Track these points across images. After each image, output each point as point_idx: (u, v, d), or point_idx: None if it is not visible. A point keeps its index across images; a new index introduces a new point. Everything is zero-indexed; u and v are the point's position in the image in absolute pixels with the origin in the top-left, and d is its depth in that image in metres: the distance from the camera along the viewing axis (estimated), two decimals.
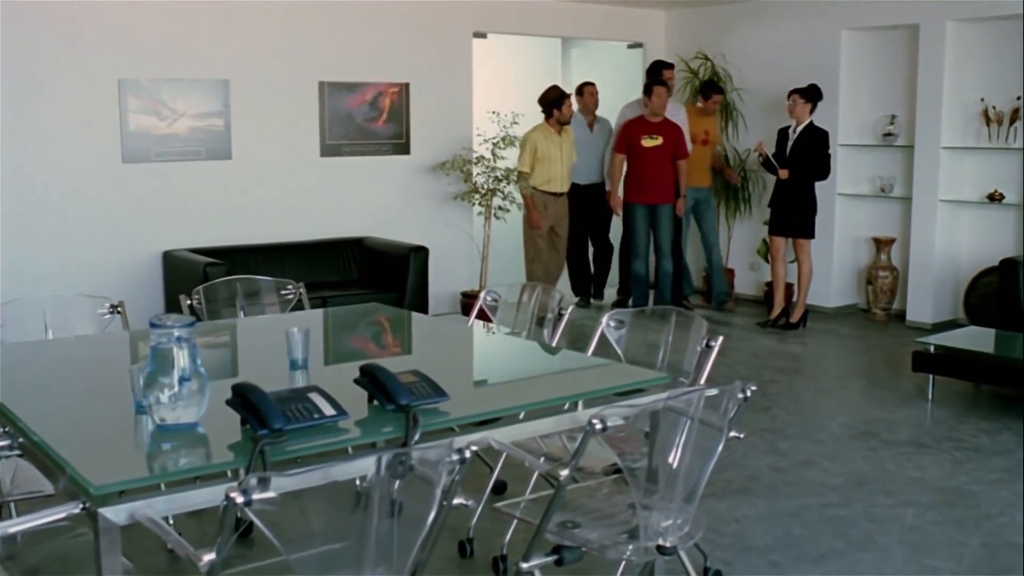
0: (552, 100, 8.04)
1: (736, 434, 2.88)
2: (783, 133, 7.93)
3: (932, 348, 5.98)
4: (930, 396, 5.97)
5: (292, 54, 7.48)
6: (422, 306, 7.31)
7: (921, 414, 5.76)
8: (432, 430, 2.70)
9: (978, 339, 6.26)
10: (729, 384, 2.78)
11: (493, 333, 4.10)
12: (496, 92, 8.88)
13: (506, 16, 8.74)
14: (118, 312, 4.21)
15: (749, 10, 8.97)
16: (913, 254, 8.02)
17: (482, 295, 4.35)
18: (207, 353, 3.73)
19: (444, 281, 7.98)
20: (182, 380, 2.60)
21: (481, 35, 8.76)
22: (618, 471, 3.18)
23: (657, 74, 8.37)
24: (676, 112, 8.35)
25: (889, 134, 8.28)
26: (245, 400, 2.58)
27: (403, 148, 8.04)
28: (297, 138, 7.57)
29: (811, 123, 7.77)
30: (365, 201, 7.91)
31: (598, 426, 2.47)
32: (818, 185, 7.87)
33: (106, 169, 6.83)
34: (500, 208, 7.98)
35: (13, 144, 6.46)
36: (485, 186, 7.96)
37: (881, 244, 8.27)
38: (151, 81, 6.92)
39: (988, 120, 7.65)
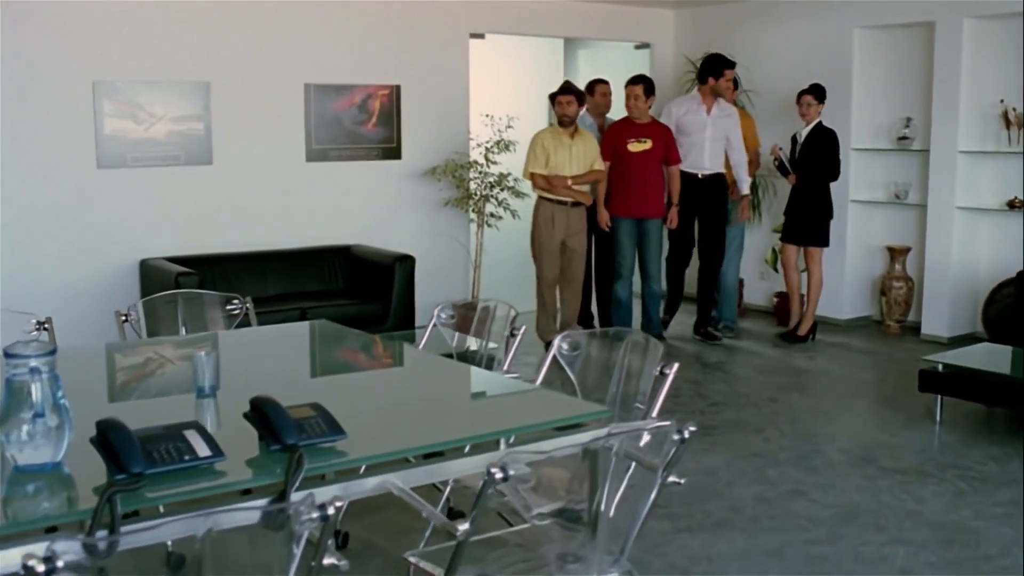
0: (554, 96, 7.31)
1: (676, 479, 2.53)
2: (794, 138, 7.58)
3: (940, 367, 5.59)
4: (938, 418, 5.58)
5: (276, 55, 7.20)
6: (408, 318, 7.02)
7: (927, 438, 5.37)
8: (320, 473, 2.40)
9: (992, 357, 5.86)
10: (665, 422, 2.43)
11: (443, 354, 3.78)
12: (494, 95, 8.55)
13: (505, 16, 8.43)
14: (45, 329, 3.94)
15: (759, 9, 8.59)
16: (929, 264, 7.61)
17: (435, 311, 4.04)
18: (119, 375, 3.47)
19: (435, 291, 7.63)
20: (36, 416, 2.31)
21: (479, 36, 8.45)
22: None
23: (720, 65, 7.55)
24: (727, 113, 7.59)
25: (904, 138, 7.87)
26: (104, 439, 2.28)
27: (394, 152, 7.75)
28: (282, 142, 7.30)
29: (819, 123, 7.42)
30: (353, 208, 7.62)
31: (498, 475, 2.14)
32: (830, 191, 7.50)
33: (80, 175, 6.59)
34: (492, 215, 7.66)
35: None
36: (478, 192, 7.64)
37: (895, 253, 7.87)
38: (127, 83, 6.66)
39: (1008, 123, 7.22)
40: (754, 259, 8.68)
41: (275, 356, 3.77)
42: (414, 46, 7.81)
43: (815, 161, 7.38)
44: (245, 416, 2.50)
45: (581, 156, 7.12)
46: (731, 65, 7.60)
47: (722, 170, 7.54)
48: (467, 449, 2.73)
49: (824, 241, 7.50)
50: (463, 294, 7.92)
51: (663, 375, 3.04)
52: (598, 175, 7.17)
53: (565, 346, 3.40)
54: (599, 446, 2.34)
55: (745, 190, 7.64)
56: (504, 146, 7.60)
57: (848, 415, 5.84)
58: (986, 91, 7.34)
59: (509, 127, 7.64)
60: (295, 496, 2.22)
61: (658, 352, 3.14)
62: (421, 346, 4.00)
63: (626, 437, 2.46)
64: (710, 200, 7.52)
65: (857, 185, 8.04)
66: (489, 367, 3.76)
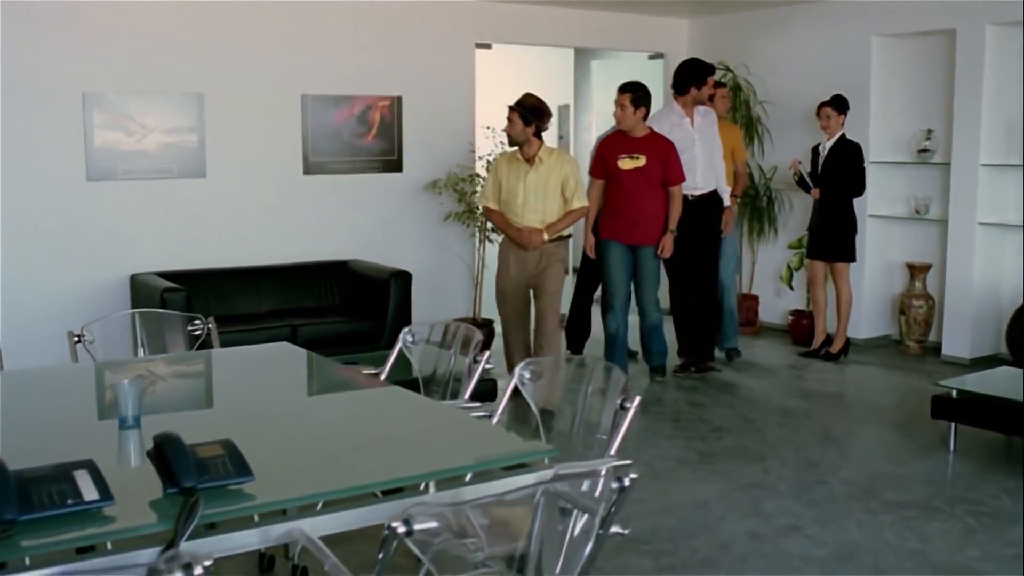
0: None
1: (619, 530, 2.29)
2: (815, 150, 7.30)
3: (954, 393, 5.28)
4: (952, 447, 5.27)
5: (272, 65, 7.02)
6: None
7: (939, 469, 5.07)
8: (229, 519, 2.18)
9: (1012, 382, 5.51)
10: (597, 468, 2.18)
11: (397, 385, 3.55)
12: (501, 106, 8.32)
13: (514, 25, 8.23)
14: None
15: (775, 17, 8.31)
16: (950, 282, 7.29)
17: (401, 335, 3.81)
18: (39, 402, 3.23)
19: (435, 308, 7.43)
20: None
21: (485, 46, 8.24)
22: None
23: (703, 72, 6.91)
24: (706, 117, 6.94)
25: (924, 150, 7.56)
26: None
27: (394, 165, 7.54)
28: (278, 155, 7.11)
29: (843, 136, 7.14)
30: (352, 222, 7.41)
31: (400, 529, 1.90)
32: (853, 205, 7.22)
33: (69, 188, 6.43)
34: (494, 231, 7.42)
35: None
36: (480, 206, 7.42)
37: (915, 271, 7.55)
38: (118, 94, 6.51)
39: None
40: (769, 276, 8.39)
41: (218, 383, 3.55)
42: (417, 56, 7.61)
43: (839, 175, 7.10)
44: (148, 454, 2.29)
45: (540, 189, 5.82)
46: (712, 71, 7.06)
47: (717, 187, 6.90)
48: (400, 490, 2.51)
49: (851, 256, 7.22)
50: (465, 311, 7.70)
51: (623, 409, 2.79)
52: (576, 216, 6.00)
53: (527, 375, 3.17)
54: (526, 493, 2.09)
55: (727, 201, 7.02)
56: None
57: (857, 442, 5.53)
58: (1010, 101, 7.02)
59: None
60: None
61: (620, 383, 2.89)
62: (385, 370, 3.78)
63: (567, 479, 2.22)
64: (708, 223, 6.83)
65: (876, 199, 7.72)
66: (455, 395, 3.53)
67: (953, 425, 5.27)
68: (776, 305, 8.40)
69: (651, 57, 9.23)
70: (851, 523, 4.31)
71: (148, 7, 6.54)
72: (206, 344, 4.03)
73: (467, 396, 3.36)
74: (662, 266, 6.59)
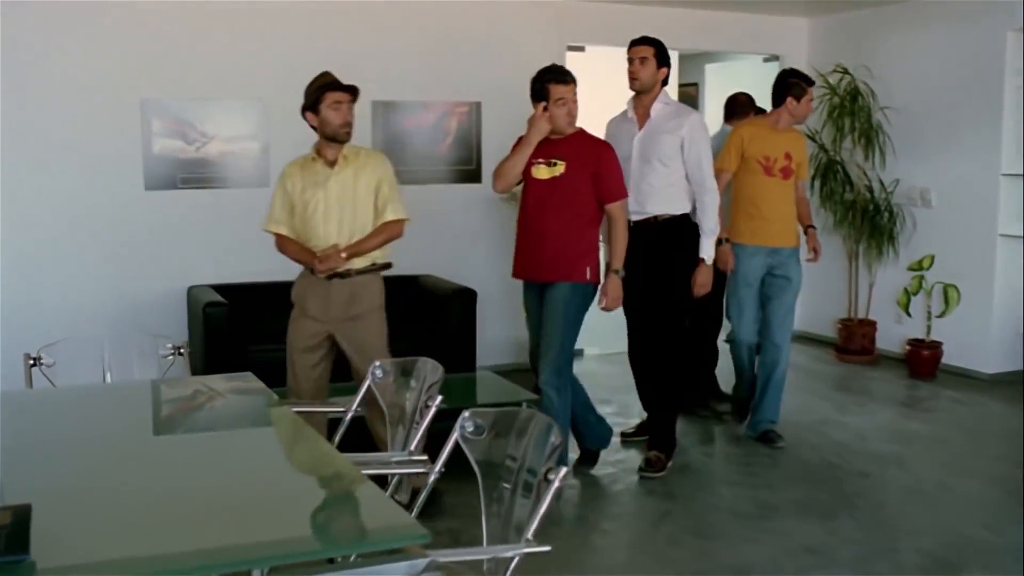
0: (316, 96, 4.54)
1: None
2: None
3: None
4: None
5: (340, 70, 6.60)
6: (467, 357, 6.35)
7: None
8: None
9: None
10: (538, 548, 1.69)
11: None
12: (595, 113, 7.78)
13: (610, 27, 7.67)
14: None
15: (902, 14, 7.49)
16: None
17: (370, 370, 3.36)
18: None
19: (510, 329, 6.98)
20: None
21: (578, 48, 7.74)
22: None
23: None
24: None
25: None
26: None
27: (472, 175, 7.12)
28: None
29: None
30: (424, 234, 6.97)
31: None
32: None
33: (128, 197, 6.27)
34: None
35: (25, 170, 5.98)
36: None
37: None
38: (177, 101, 6.32)
39: None
40: (889, 300, 7.57)
41: (126, 417, 3.15)
42: (499, 59, 7.17)
43: None
44: None
45: (347, 197, 4.37)
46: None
47: (670, 211, 4.95)
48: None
49: None
50: None
51: (547, 481, 2.26)
52: (390, 232, 4.46)
53: (469, 427, 2.67)
54: None
55: (705, 250, 4.94)
56: None
57: (949, 500, 4.75)
58: None
59: None
60: None
61: (551, 447, 2.36)
62: (354, 406, 3.35)
63: None
64: (654, 256, 4.93)
65: (1007, 217, 6.83)
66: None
67: None
68: (895, 332, 7.56)
69: (766, 60, 8.54)
70: None
71: (208, 13, 6.33)
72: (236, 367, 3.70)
73: (413, 447, 2.88)
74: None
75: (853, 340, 7.65)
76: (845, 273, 7.87)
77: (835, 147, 7.71)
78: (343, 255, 4.37)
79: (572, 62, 7.64)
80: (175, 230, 6.42)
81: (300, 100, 6.48)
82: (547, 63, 7.25)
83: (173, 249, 6.42)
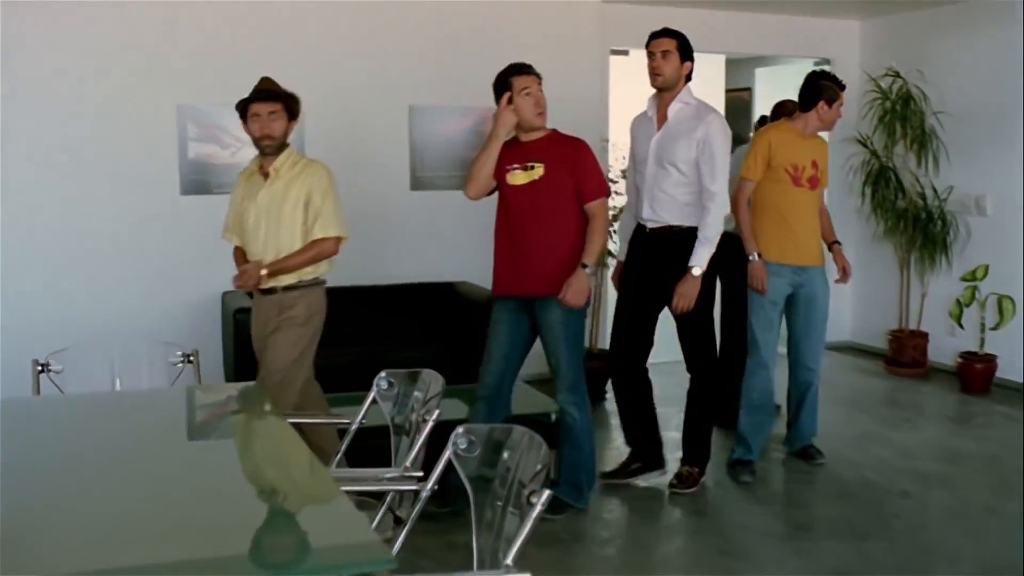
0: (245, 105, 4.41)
1: None
2: None
3: None
4: None
5: (377, 74, 6.65)
6: None
7: None
8: None
9: None
10: None
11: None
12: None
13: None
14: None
15: (960, 16, 7.24)
16: None
17: (375, 381, 3.27)
18: None
19: None
20: None
21: (622, 52, 7.61)
22: None
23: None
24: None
25: None
26: None
27: None
28: (383, 169, 6.73)
29: None
30: (462, 241, 6.93)
31: None
32: None
33: (163, 202, 6.27)
34: (611, 255, 6.76)
35: (60, 174, 6.01)
36: None
37: None
38: (212, 106, 6.30)
39: None
40: (939, 311, 7.31)
41: (107, 430, 3.08)
42: (539, 64, 6.90)
43: None
44: None
45: (274, 210, 4.23)
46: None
47: (688, 221, 4.60)
48: None
49: None
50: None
51: (529, 504, 2.15)
52: (319, 251, 4.26)
53: (462, 444, 2.56)
54: None
55: (697, 259, 4.51)
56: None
57: (994, 525, 4.51)
58: None
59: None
60: None
61: (536, 468, 2.25)
62: (359, 419, 3.27)
63: None
64: (670, 269, 4.59)
65: None
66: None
67: None
68: (948, 345, 7.30)
69: (816, 64, 8.30)
70: None
71: (244, 18, 6.32)
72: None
73: (409, 462, 2.79)
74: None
75: (904, 352, 7.41)
76: (896, 283, 7.63)
77: (887, 153, 7.49)
78: (263, 272, 4.19)
79: (616, 67, 7.55)
80: (210, 235, 6.36)
81: (337, 105, 6.52)
82: (589, 68, 7.24)
83: (208, 254, 6.37)
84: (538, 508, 2.12)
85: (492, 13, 6.89)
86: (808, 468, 5.21)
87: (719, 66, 8.29)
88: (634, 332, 4.78)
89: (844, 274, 5.34)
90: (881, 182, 7.51)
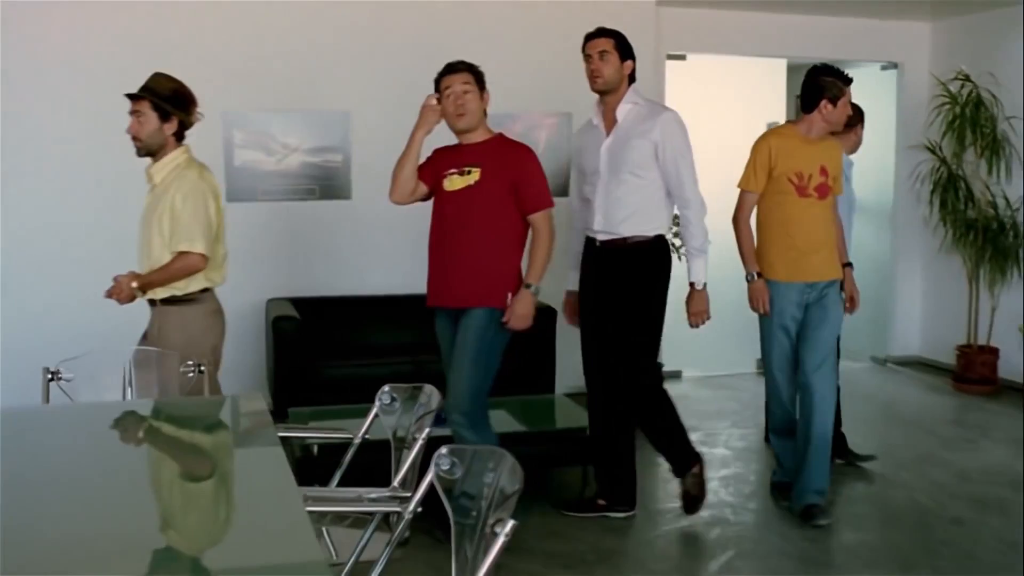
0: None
1: None
2: None
3: None
4: None
5: (423, 81, 6.50)
6: (546, 378, 6.13)
7: None
8: None
9: None
10: None
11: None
12: (697, 125, 7.44)
13: (713, 34, 7.38)
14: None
15: None
16: None
17: (378, 395, 3.16)
18: None
19: None
20: None
21: (678, 57, 7.43)
22: None
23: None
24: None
25: None
26: None
27: (561, 189, 6.88)
28: None
29: None
30: None
31: None
32: None
33: None
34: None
35: (107, 181, 6.06)
36: None
37: None
38: (258, 113, 6.30)
39: None
40: (1010, 326, 6.98)
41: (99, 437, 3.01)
42: None
43: None
44: None
45: (148, 220, 4.01)
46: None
47: (643, 231, 4.33)
48: None
49: None
50: None
51: (493, 534, 2.01)
52: (184, 266, 3.94)
53: (444, 465, 2.44)
54: None
55: (695, 273, 4.39)
56: None
57: None
58: None
59: None
60: None
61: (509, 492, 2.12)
62: (361, 433, 3.16)
63: None
64: (622, 284, 4.38)
65: None
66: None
67: None
68: (1019, 361, 6.98)
69: (884, 68, 8.03)
70: None
71: (290, 25, 6.31)
72: (198, 389, 3.58)
73: (397, 481, 2.67)
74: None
75: (972, 368, 7.08)
76: (964, 295, 7.30)
77: (956, 160, 7.18)
78: (134, 285, 3.92)
79: (672, 71, 7.36)
80: (255, 242, 6.39)
81: (385, 111, 6.46)
82: (645, 72, 7.02)
83: (253, 261, 6.39)
84: (501, 539, 1.98)
85: (543, 17, 6.77)
86: (857, 491, 4.97)
87: (780, 71, 8.02)
88: (609, 363, 4.45)
89: (851, 303, 4.89)
90: (950, 190, 7.20)
